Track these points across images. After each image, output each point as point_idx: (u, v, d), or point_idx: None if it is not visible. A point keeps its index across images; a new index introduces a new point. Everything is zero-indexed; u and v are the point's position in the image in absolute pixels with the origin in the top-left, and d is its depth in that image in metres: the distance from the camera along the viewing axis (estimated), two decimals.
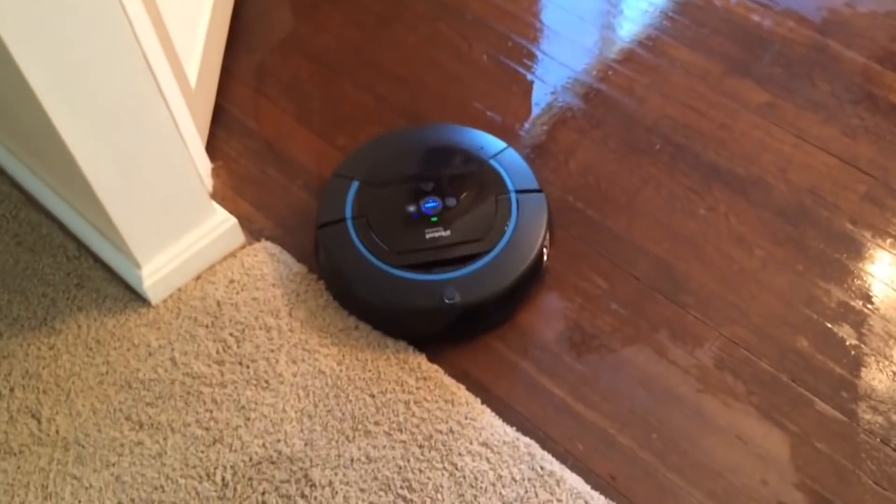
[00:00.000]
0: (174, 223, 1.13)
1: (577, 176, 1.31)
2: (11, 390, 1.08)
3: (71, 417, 1.06)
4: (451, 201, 1.17)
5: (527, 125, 1.38)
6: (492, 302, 1.12)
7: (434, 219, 1.15)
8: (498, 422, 1.05)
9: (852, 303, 1.17)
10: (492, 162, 1.22)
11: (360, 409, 1.06)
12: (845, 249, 1.22)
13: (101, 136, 0.96)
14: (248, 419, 1.05)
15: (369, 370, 1.09)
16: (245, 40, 1.50)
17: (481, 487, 1.00)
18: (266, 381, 1.08)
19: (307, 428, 1.04)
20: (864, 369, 1.11)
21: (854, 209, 1.26)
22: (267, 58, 1.48)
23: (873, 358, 1.12)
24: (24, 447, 1.04)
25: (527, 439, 1.04)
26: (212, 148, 1.33)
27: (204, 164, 1.27)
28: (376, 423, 1.04)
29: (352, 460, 1.02)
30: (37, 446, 1.04)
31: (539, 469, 1.01)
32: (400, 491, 1.00)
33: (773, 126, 1.36)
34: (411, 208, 1.15)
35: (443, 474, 1.01)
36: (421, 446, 1.03)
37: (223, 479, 1.01)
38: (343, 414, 1.05)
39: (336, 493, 0.99)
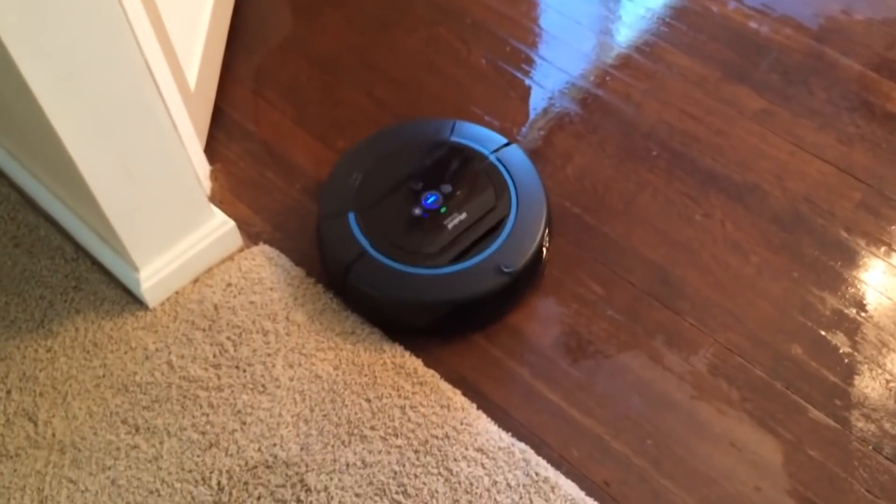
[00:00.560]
0: (172, 226, 1.13)
1: (574, 181, 1.32)
2: (8, 393, 1.08)
3: (67, 420, 1.06)
4: (447, 188, 1.18)
5: (524, 130, 1.38)
6: (538, 255, 1.16)
7: (443, 209, 1.16)
8: (493, 427, 1.06)
9: (846, 311, 1.18)
10: (453, 139, 1.24)
11: (356, 413, 1.06)
12: (840, 257, 1.23)
13: (99, 138, 0.96)
14: (245, 423, 1.05)
15: (366, 375, 1.09)
16: (245, 42, 1.50)
17: (476, 493, 1.00)
18: (263, 386, 1.08)
19: (303, 432, 1.04)
20: (857, 377, 1.12)
21: (849, 217, 1.27)
22: (267, 60, 1.48)
23: (866, 366, 1.13)
24: (20, 450, 1.04)
25: (522, 445, 1.05)
26: (210, 150, 1.33)
27: (202, 167, 1.27)
28: (372, 428, 1.05)
29: (347, 465, 1.02)
30: (33, 449, 1.04)
31: (534, 475, 1.02)
32: (395, 496, 1.00)
33: (769, 133, 1.37)
34: (417, 211, 1.16)
35: (438, 480, 1.01)
36: (416, 451, 1.03)
37: (219, 483, 1.01)
38: (339, 419, 1.06)
39: (331, 497, 1.00)
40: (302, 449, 1.03)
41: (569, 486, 1.01)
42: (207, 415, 1.06)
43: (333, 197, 1.18)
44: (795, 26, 1.51)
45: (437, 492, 1.00)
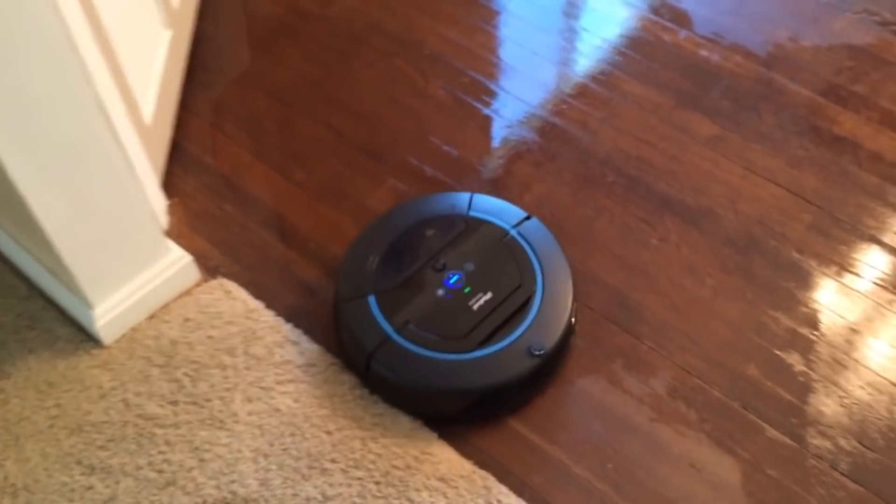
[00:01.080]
0: (127, 262, 1.12)
1: (533, 209, 1.32)
2: None
3: (20, 463, 1.04)
4: (469, 266, 1.13)
5: (483, 159, 1.40)
6: (568, 332, 1.12)
7: (467, 289, 1.11)
8: (455, 455, 1.06)
9: (800, 330, 1.20)
10: (472, 213, 1.20)
11: (316, 446, 1.05)
12: (793, 278, 1.25)
13: (51, 175, 0.96)
14: (203, 460, 1.04)
15: (325, 407, 1.09)
16: (202, 76, 1.51)
17: None
18: (221, 421, 1.07)
19: (262, 468, 1.03)
20: (811, 395, 1.14)
21: (801, 238, 1.30)
22: (224, 94, 1.49)
23: (821, 384, 1.15)
24: None
25: (483, 472, 1.05)
26: (168, 185, 1.33)
27: (159, 202, 1.27)
28: (332, 461, 1.04)
29: (307, 499, 1.01)
30: None
31: (496, 502, 1.01)
32: None
33: (721, 158, 1.40)
34: (440, 292, 1.11)
35: None
36: (378, 483, 1.02)
37: None
38: (299, 452, 1.05)
39: None
40: (261, 484, 1.02)
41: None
42: (164, 453, 1.04)
43: (352, 278, 1.13)
44: (745, 54, 1.55)
45: None
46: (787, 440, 1.10)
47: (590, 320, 1.21)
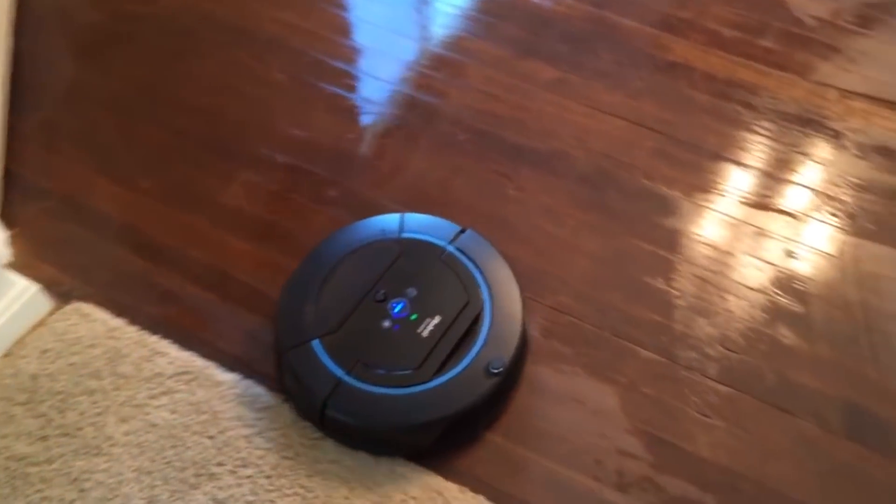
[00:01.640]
0: None
1: (392, 179, 1.33)
2: None
3: None
4: (412, 291, 1.09)
5: (334, 139, 1.39)
6: (523, 341, 1.09)
7: (413, 316, 1.07)
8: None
9: (660, 252, 1.25)
10: (405, 235, 1.16)
11: (199, 453, 1.03)
12: (646, 204, 1.30)
13: None
14: (83, 490, 1.00)
15: (205, 412, 1.06)
16: (29, 98, 1.43)
17: (334, 502, 1.00)
18: (97, 447, 1.03)
19: (147, 485, 1.01)
20: (677, 312, 1.19)
21: (648, 165, 1.35)
22: (55, 112, 1.42)
23: (683, 300, 1.20)
24: None
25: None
26: (7, 215, 1.26)
27: None
28: (219, 464, 1.02)
29: None
30: None
31: (393, 472, 1.02)
32: None
33: (565, 100, 1.43)
34: (386, 324, 1.06)
35: (294, 499, 1.00)
36: (268, 477, 1.02)
37: None
38: (183, 462, 1.03)
39: None
40: (149, 502, 1.00)
41: (430, 476, 1.02)
42: (42, 490, 1.00)
43: (291, 324, 1.07)
44: None
45: None
46: (659, 358, 1.15)
47: None
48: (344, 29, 1.56)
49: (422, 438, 1.03)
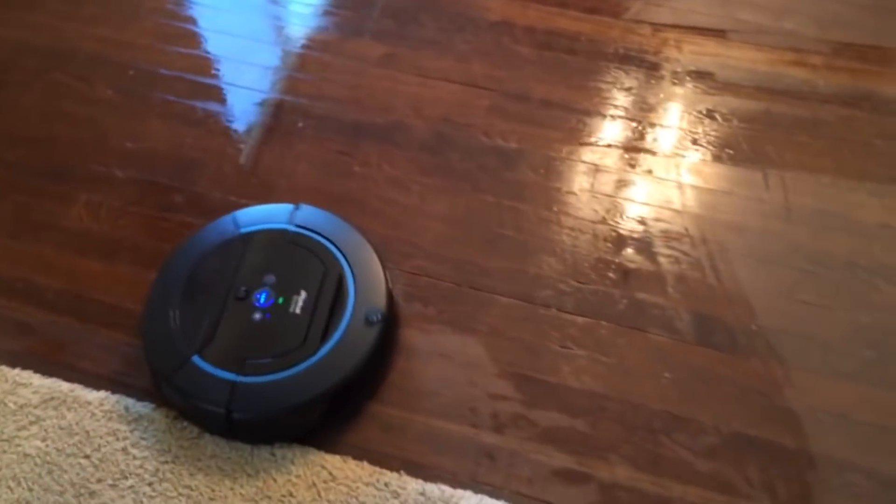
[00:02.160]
0: None
1: (236, 177, 1.34)
2: None
3: None
4: (270, 278, 1.11)
5: (175, 147, 1.38)
6: (389, 289, 1.15)
7: (280, 300, 1.09)
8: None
9: (506, 202, 1.31)
10: (243, 230, 1.18)
11: (78, 474, 1.03)
12: (486, 160, 1.36)
13: None
14: None
15: (77, 433, 1.06)
16: None
17: (221, 496, 1.01)
18: None
19: None
20: (529, 256, 1.25)
21: (484, 123, 1.40)
22: None
23: (533, 244, 1.26)
24: None
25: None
26: None
27: None
28: (98, 481, 1.02)
29: None
30: None
31: (273, 455, 1.05)
32: None
33: (396, 73, 1.47)
34: (258, 316, 1.08)
35: (180, 500, 1.01)
36: (150, 483, 1.02)
37: None
38: (62, 486, 1.02)
39: None
40: None
41: (311, 453, 1.05)
42: None
43: (164, 349, 1.06)
44: None
45: None
46: (517, 302, 1.21)
47: None
48: (169, 36, 1.54)
49: (334, 403, 1.07)
